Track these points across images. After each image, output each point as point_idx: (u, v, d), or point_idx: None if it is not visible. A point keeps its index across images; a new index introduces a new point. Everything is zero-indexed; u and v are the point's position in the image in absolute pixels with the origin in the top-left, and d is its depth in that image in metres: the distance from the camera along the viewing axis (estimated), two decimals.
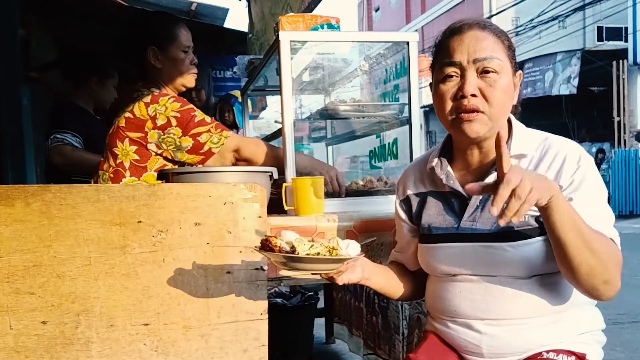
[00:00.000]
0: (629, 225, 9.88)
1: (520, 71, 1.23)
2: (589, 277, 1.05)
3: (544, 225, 1.03)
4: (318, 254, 1.02)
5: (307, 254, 1.02)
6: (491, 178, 1.20)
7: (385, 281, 1.31)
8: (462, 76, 1.15)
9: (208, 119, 1.79)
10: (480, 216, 1.19)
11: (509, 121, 1.23)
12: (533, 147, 1.20)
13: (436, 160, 1.27)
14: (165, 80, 1.90)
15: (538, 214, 1.13)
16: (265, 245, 1.05)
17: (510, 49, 1.19)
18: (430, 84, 1.25)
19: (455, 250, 1.21)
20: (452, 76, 1.16)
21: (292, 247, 1.03)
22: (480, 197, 1.20)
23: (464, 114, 1.15)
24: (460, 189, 1.23)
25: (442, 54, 1.19)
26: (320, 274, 1.11)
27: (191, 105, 1.80)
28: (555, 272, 1.15)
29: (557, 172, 1.14)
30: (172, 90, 1.92)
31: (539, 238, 1.13)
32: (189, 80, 1.93)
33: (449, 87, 1.17)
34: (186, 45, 1.89)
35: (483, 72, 1.14)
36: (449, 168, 1.26)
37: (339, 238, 1.10)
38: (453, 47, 1.16)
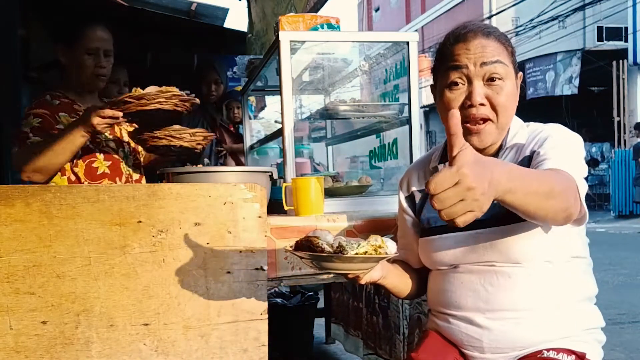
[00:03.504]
0: (629, 225, 9.88)
1: (520, 72, 1.25)
2: (551, 220, 1.04)
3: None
4: (366, 252, 1.01)
5: (357, 254, 1.01)
6: None
7: (398, 280, 1.33)
8: (469, 84, 1.17)
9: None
10: None
11: None
12: (525, 136, 1.24)
13: (439, 159, 1.31)
14: (70, 79, 1.91)
15: None
16: (304, 245, 1.03)
17: (513, 54, 1.22)
18: (432, 86, 1.26)
19: (453, 239, 1.23)
20: (457, 84, 1.18)
21: (340, 246, 1.01)
22: None
23: (472, 125, 1.17)
24: None
25: (447, 60, 1.20)
26: (352, 273, 1.10)
27: (28, 129, 1.77)
28: (553, 261, 1.16)
29: (534, 144, 1.18)
30: (76, 91, 1.92)
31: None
32: (93, 82, 1.90)
33: (456, 95, 1.18)
34: (93, 46, 1.86)
35: (489, 80, 1.16)
36: None
37: (375, 235, 1.08)
38: (458, 53, 1.18)
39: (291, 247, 1.07)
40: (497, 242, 1.16)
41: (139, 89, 1.70)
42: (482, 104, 1.16)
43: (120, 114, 1.62)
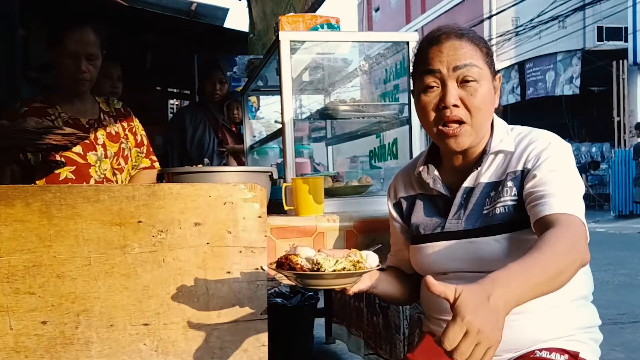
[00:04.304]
0: (629, 225, 9.88)
1: (499, 74, 1.25)
2: (567, 279, 1.03)
3: None
4: (344, 269, 1.02)
5: (334, 270, 1.01)
6: (472, 176, 1.23)
7: (389, 287, 1.33)
8: (443, 86, 1.17)
9: None
10: (464, 214, 1.22)
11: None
12: (512, 142, 1.23)
13: (423, 166, 1.30)
14: (59, 81, 1.90)
15: (514, 202, 1.15)
16: (284, 264, 1.04)
17: (489, 55, 1.22)
18: (412, 92, 1.27)
19: (443, 248, 1.23)
20: (432, 87, 1.18)
21: (317, 263, 1.02)
22: (464, 195, 1.24)
23: (448, 128, 1.17)
24: (443, 190, 1.27)
25: (421, 64, 1.21)
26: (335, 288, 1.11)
27: None
28: None
29: (526, 158, 1.17)
30: (65, 93, 1.91)
31: (521, 231, 1.15)
32: (75, 85, 1.88)
33: (431, 98, 1.19)
34: (74, 50, 1.84)
35: (463, 82, 1.16)
36: (436, 172, 1.29)
37: (355, 250, 1.10)
38: (432, 57, 1.18)
39: (273, 264, 1.08)
40: (487, 251, 1.16)
41: None
42: (455, 106, 1.16)
43: None
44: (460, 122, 1.17)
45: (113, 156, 1.97)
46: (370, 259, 1.09)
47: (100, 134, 1.95)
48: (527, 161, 1.17)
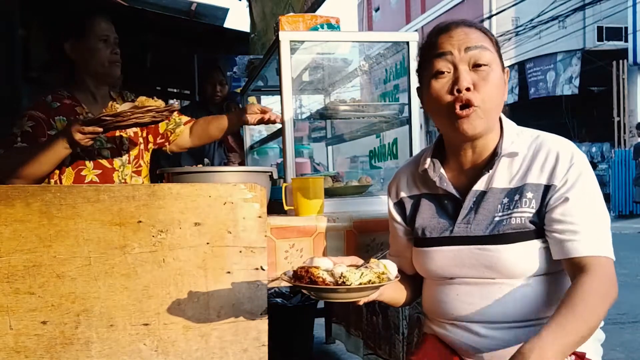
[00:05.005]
0: (629, 226, 9.87)
1: (507, 68, 1.21)
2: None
3: None
4: (369, 281, 1.00)
5: (360, 283, 0.99)
6: (483, 179, 1.19)
7: (394, 293, 1.30)
8: (455, 70, 1.13)
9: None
10: (474, 218, 1.18)
11: (500, 120, 1.22)
12: (525, 145, 1.19)
13: (429, 161, 1.25)
14: (85, 72, 1.89)
15: (532, 215, 1.13)
16: (303, 277, 1.01)
17: (497, 45, 1.18)
18: (418, 88, 1.23)
19: (451, 253, 1.20)
20: (443, 72, 1.14)
21: (343, 276, 0.99)
22: (474, 198, 1.19)
23: (460, 111, 1.12)
24: (453, 191, 1.22)
25: (430, 49, 1.17)
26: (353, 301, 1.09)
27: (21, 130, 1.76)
28: (552, 273, 1.15)
29: (551, 172, 1.14)
30: (87, 89, 1.91)
31: (535, 240, 1.13)
32: (110, 70, 1.89)
33: (442, 84, 1.14)
34: (106, 34, 1.86)
35: (475, 66, 1.12)
36: (442, 170, 1.24)
37: (375, 259, 1.08)
38: (442, 42, 1.15)
39: (289, 276, 1.05)
40: (496, 259, 1.14)
41: (115, 104, 1.71)
42: (468, 89, 1.11)
43: (101, 129, 1.60)
44: (472, 105, 1.11)
45: (133, 159, 1.98)
46: (391, 268, 1.06)
47: (125, 139, 1.97)
48: (553, 177, 1.13)
